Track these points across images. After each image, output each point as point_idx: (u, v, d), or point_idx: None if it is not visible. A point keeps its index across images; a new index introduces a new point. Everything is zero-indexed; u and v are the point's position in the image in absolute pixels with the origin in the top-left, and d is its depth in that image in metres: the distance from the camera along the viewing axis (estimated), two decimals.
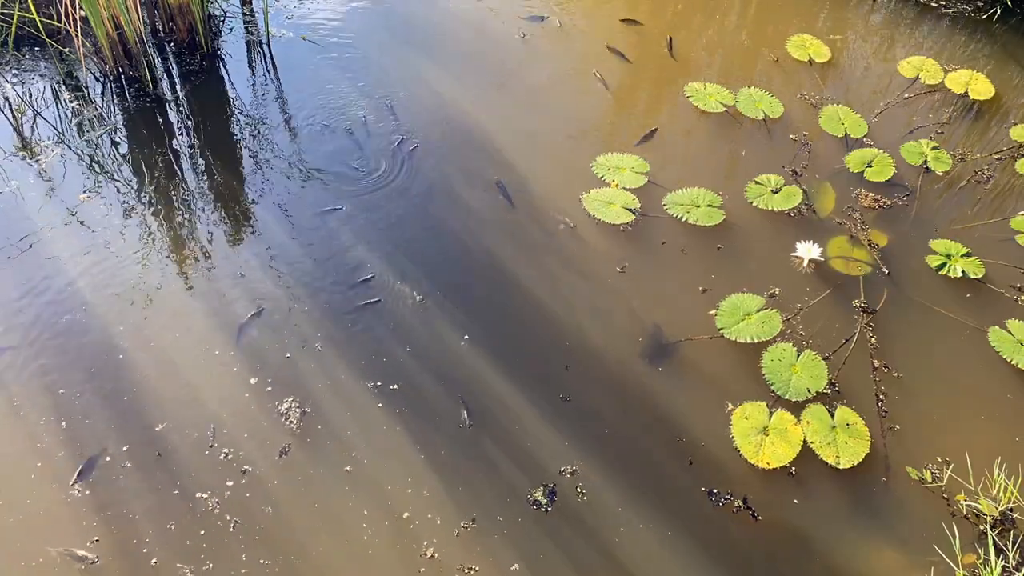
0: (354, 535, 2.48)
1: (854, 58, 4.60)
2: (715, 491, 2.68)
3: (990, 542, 2.54)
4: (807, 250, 3.38)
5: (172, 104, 3.92)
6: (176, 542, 2.43)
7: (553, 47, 4.50)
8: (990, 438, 2.88)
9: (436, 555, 2.45)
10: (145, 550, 2.41)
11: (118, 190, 3.46)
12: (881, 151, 3.92)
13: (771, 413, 2.87)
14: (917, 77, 4.45)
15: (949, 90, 4.37)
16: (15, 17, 3.95)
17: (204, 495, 2.53)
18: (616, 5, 4.89)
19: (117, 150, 3.66)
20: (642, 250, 3.41)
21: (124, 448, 2.62)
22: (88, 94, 3.90)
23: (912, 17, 4.94)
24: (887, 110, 4.23)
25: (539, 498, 2.61)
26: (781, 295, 3.27)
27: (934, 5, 5.01)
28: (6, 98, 3.82)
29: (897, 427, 2.88)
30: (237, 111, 3.94)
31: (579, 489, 2.64)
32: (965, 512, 2.67)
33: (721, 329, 3.13)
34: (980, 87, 4.38)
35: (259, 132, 3.81)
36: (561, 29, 4.64)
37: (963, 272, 3.40)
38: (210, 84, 4.06)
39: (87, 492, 2.51)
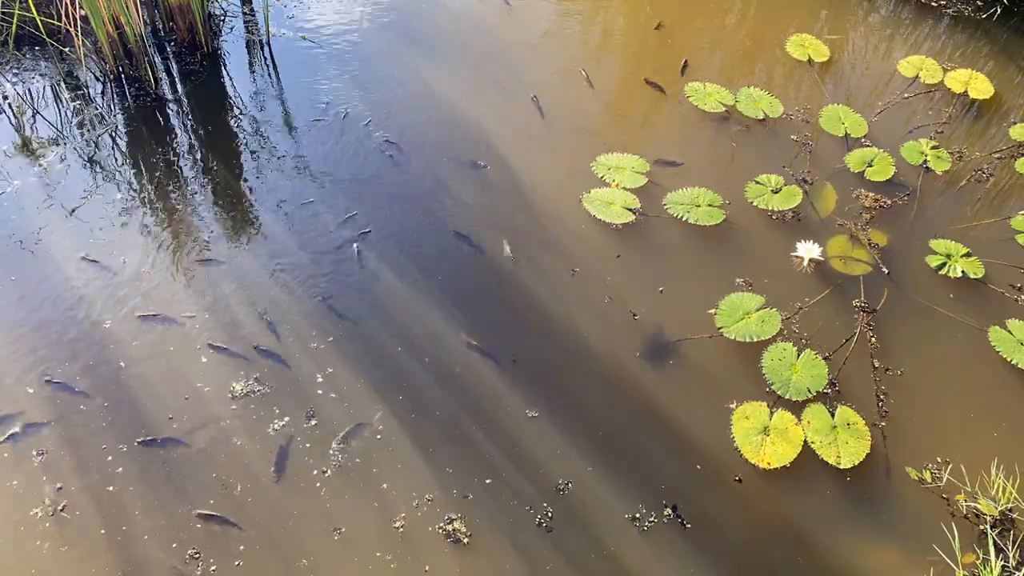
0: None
1: (854, 57, 4.60)
2: (716, 489, 2.68)
3: (990, 542, 2.55)
4: (807, 250, 3.39)
5: (172, 103, 3.92)
6: None
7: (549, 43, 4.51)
8: (990, 438, 2.89)
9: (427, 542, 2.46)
10: None
11: (118, 189, 3.46)
12: (881, 151, 3.92)
13: (772, 413, 2.88)
14: (917, 76, 4.45)
15: (948, 89, 4.37)
16: (15, 16, 3.95)
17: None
18: (616, 4, 4.89)
19: (117, 149, 3.66)
20: (642, 249, 3.42)
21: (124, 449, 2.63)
22: (88, 93, 3.90)
23: (911, 17, 4.94)
24: (887, 109, 4.23)
25: (538, 497, 2.62)
26: (781, 295, 3.28)
27: (934, 5, 5.00)
28: (6, 97, 3.82)
29: (897, 427, 2.89)
30: (237, 110, 3.94)
31: (579, 490, 2.65)
32: (965, 512, 2.67)
33: (720, 328, 3.14)
34: (979, 86, 4.38)
35: (259, 131, 3.81)
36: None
37: (963, 272, 3.41)
38: (210, 83, 4.05)
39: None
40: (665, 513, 2.61)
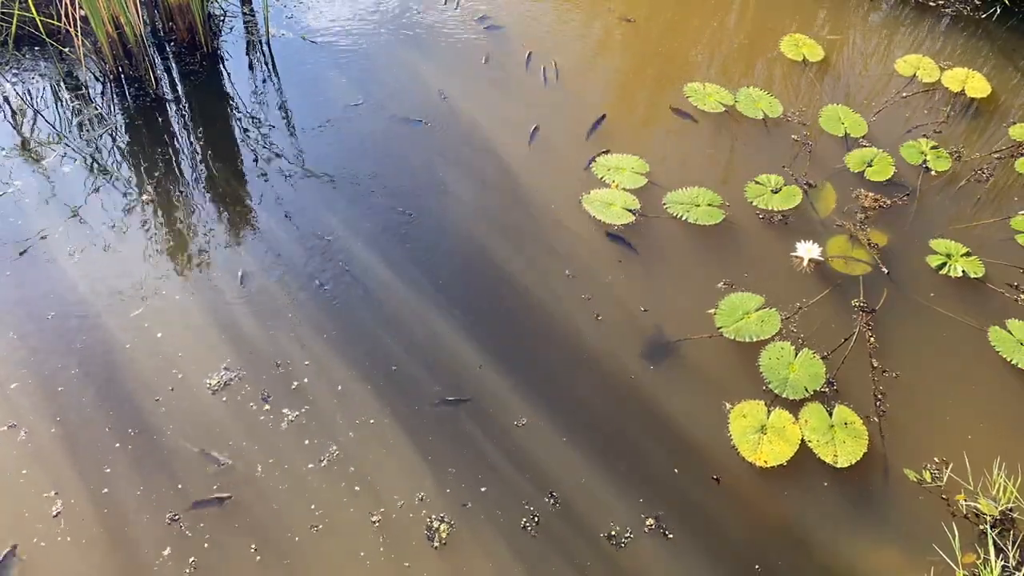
0: None
1: (852, 57, 4.60)
2: (713, 489, 2.68)
3: (990, 542, 2.54)
4: (807, 250, 3.38)
5: (172, 104, 3.92)
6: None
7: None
8: (989, 438, 2.88)
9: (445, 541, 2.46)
10: None
11: (118, 190, 3.46)
12: (881, 151, 3.92)
13: (769, 412, 2.87)
14: (914, 75, 4.45)
15: (946, 88, 4.37)
16: (15, 16, 3.96)
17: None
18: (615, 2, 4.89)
19: (117, 150, 3.66)
20: (642, 250, 3.41)
21: (122, 452, 2.63)
22: (88, 94, 3.91)
23: (911, 17, 4.94)
24: (885, 109, 4.22)
25: (536, 500, 2.62)
26: (781, 294, 3.27)
27: (932, 5, 5.00)
28: (6, 98, 3.82)
29: (896, 426, 2.88)
30: (237, 110, 3.94)
31: (577, 490, 2.65)
32: (965, 512, 2.67)
33: (720, 328, 3.13)
34: (976, 85, 4.38)
35: (259, 131, 3.81)
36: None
37: (963, 272, 3.40)
38: (210, 84, 4.06)
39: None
40: (661, 515, 2.60)
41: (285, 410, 2.75)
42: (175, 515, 2.47)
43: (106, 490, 2.52)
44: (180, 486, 2.54)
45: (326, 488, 2.57)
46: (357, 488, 2.58)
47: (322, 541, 2.47)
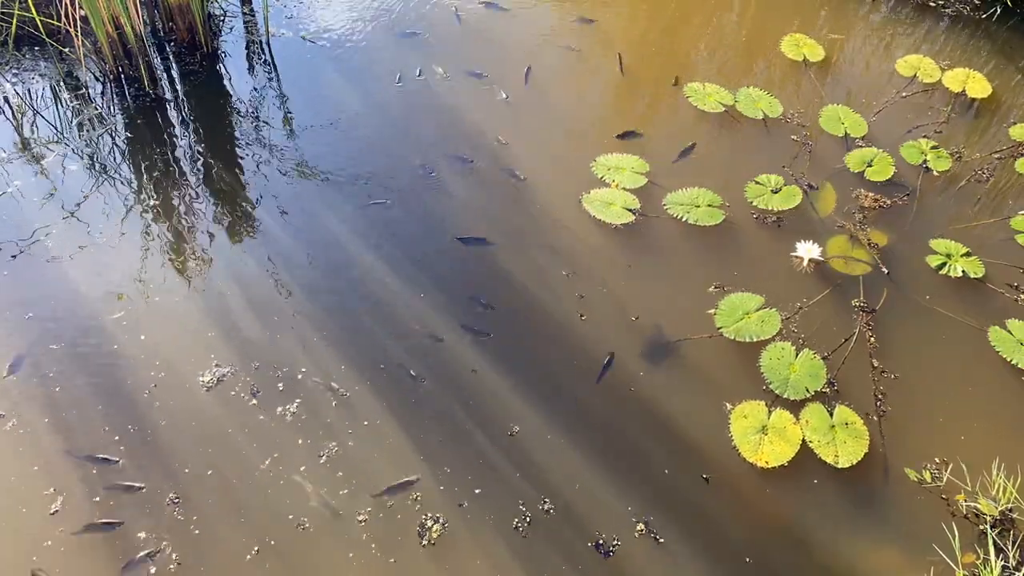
0: None
1: (852, 57, 4.59)
2: (713, 489, 2.68)
3: (990, 542, 2.54)
4: (807, 250, 3.38)
5: (172, 104, 3.92)
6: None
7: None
8: (989, 438, 2.88)
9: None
10: None
11: (118, 190, 3.46)
12: (881, 151, 3.92)
13: (770, 412, 2.87)
14: (914, 76, 4.45)
15: (947, 88, 4.36)
16: (15, 16, 3.96)
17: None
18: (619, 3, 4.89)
19: (117, 150, 3.66)
20: (642, 250, 3.41)
21: (121, 448, 2.63)
22: (88, 94, 3.90)
23: (911, 17, 4.93)
24: (885, 109, 4.22)
25: (534, 501, 2.62)
26: (781, 294, 3.27)
27: (932, 5, 5.00)
28: (6, 98, 3.82)
29: (896, 426, 2.88)
30: (237, 110, 3.94)
31: (576, 491, 2.64)
32: (965, 512, 2.67)
33: (720, 328, 3.13)
34: (977, 85, 4.37)
35: (258, 131, 3.81)
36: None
37: (963, 272, 3.40)
38: (210, 83, 4.06)
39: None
40: (660, 516, 2.60)
41: (279, 408, 2.75)
42: (177, 497, 2.48)
43: None
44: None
45: (320, 485, 2.58)
46: (353, 484, 2.59)
47: (313, 540, 2.47)
